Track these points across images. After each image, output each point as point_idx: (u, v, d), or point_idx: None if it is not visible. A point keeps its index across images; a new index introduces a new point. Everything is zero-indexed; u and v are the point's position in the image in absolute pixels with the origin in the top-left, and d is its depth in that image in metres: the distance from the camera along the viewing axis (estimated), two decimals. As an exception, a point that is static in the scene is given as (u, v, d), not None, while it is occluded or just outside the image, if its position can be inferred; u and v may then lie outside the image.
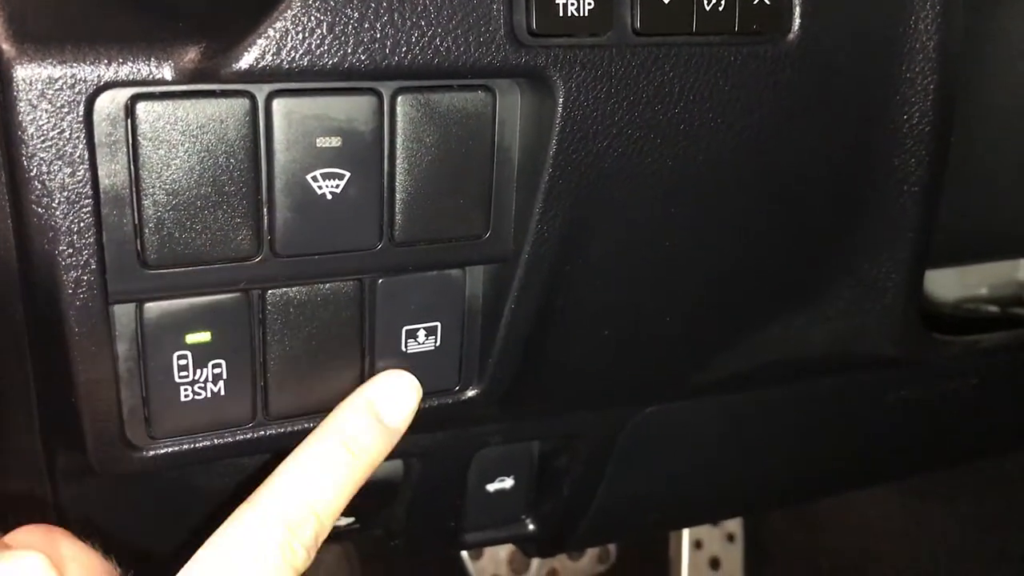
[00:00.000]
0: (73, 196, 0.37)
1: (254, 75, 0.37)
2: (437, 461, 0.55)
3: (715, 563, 1.20)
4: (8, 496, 0.47)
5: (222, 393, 0.43)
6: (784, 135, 0.47)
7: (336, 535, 0.47)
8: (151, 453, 0.43)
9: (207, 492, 0.49)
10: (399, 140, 0.41)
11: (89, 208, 0.37)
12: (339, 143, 0.40)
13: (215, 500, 0.49)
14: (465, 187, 0.43)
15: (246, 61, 0.37)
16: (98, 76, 0.36)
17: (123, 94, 0.37)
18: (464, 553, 1.11)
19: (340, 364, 0.45)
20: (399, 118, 0.41)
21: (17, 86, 0.35)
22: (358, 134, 0.40)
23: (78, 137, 0.36)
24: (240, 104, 0.38)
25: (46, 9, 0.37)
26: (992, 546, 1.04)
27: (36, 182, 0.36)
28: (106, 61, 0.36)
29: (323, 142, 0.40)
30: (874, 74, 0.49)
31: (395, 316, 0.45)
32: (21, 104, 0.35)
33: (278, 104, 0.39)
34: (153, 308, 0.40)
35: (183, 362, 0.41)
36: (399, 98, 0.40)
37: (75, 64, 0.35)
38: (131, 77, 0.36)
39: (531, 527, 0.63)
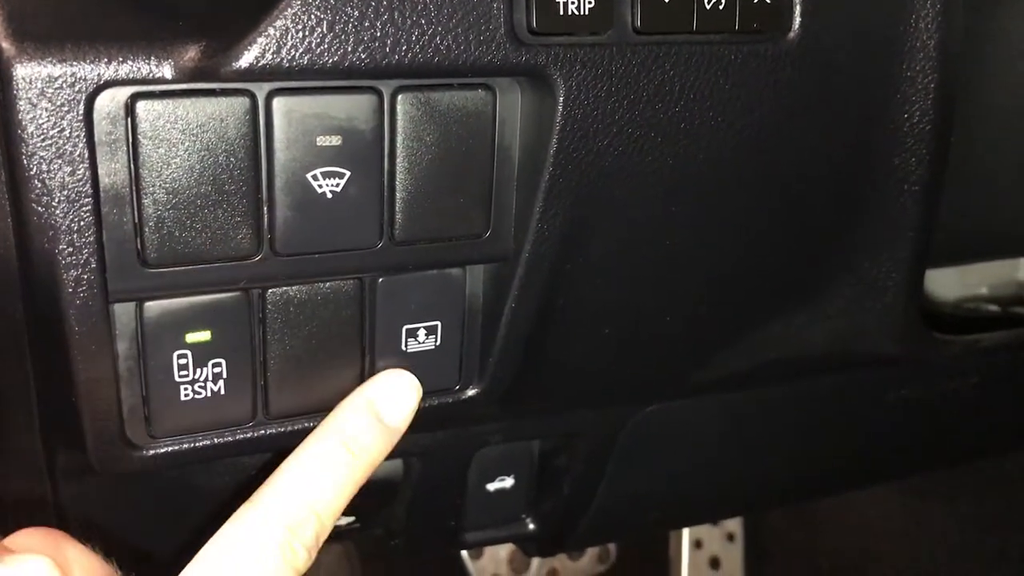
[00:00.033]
0: (73, 195, 0.37)
1: (254, 74, 0.37)
2: (437, 460, 0.55)
3: (715, 563, 1.20)
4: (8, 496, 0.47)
5: (222, 392, 0.43)
6: (785, 134, 0.47)
7: (336, 535, 0.47)
8: (151, 452, 0.43)
9: (207, 492, 0.49)
10: (399, 139, 0.41)
11: (89, 207, 0.37)
12: (339, 142, 0.40)
13: (215, 500, 0.49)
14: (465, 186, 0.43)
15: (246, 60, 0.37)
16: (98, 75, 0.36)
17: (123, 93, 0.37)
18: (464, 553, 1.11)
19: (340, 363, 0.45)
20: (399, 117, 0.41)
21: (17, 85, 0.35)
22: (358, 133, 0.40)
23: (78, 136, 0.36)
24: (240, 103, 0.38)
25: (46, 8, 0.37)
26: (992, 546, 1.04)
27: (36, 181, 0.36)
28: (106, 60, 0.36)
29: (323, 141, 0.40)
30: (874, 73, 0.49)
31: (395, 315, 0.45)
32: (21, 103, 0.35)
33: (278, 103, 0.39)
34: (153, 307, 0.40)
35: (183, 361, 0.41)
36: (399, 97, 0.40)
37: (75, 63, 0.35)
38: (131, 76, 0.36)
39: (531, 526, 0.63)
